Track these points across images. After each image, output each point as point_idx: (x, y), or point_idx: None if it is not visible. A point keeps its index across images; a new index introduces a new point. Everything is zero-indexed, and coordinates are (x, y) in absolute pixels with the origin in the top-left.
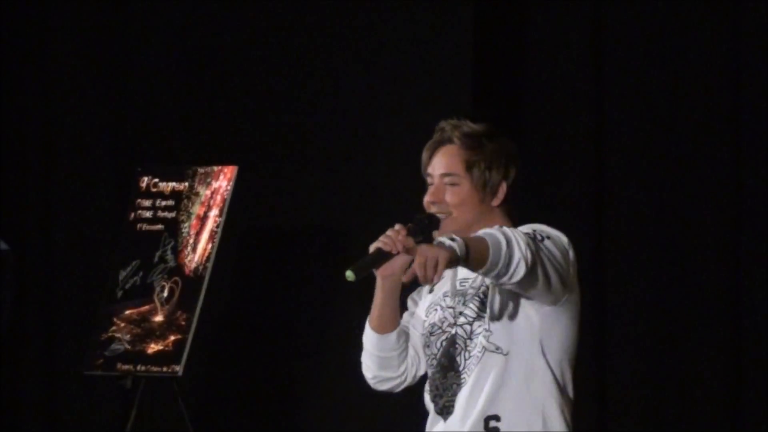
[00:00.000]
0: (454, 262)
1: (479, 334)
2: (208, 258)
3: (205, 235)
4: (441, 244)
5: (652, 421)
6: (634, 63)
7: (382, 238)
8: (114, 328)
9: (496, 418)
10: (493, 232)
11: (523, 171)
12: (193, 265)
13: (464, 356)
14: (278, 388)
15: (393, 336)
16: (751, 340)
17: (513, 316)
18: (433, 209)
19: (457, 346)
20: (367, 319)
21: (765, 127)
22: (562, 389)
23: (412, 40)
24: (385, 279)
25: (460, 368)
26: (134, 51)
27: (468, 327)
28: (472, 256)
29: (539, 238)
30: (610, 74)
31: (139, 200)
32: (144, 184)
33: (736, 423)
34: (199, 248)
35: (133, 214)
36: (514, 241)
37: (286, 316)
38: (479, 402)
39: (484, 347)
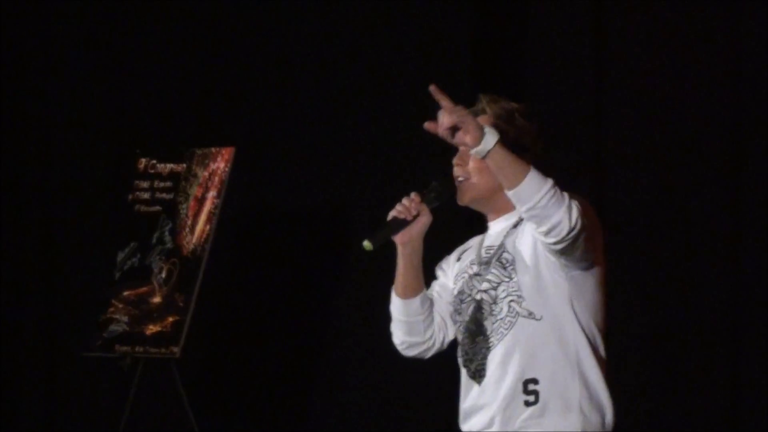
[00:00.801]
0: (476, 138)
1: (504, 298)
2: (206, 239)
3: (203, 216)
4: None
5: (652, 420)
6: (634, 49)
7: (397, 206)
8: (112, 309)
9: (534, 381)
10: (545, 177)
11: (555, 153)
12: (191, 247)
13: (491, 321)
14: (276, 369)
15: (417, 301)
16: (751, 335)
17: (543, 282)
18: (457, 171)
19: (483, 311)
20: (392, 287)
21: (765, 116)
22: (595, 350)
23: (411, 22)
24: (404, 246)
25: (488, 333)
26: (133, 32)
27: (492, 292)
28: (504, 161)
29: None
30: (611, 61)
31: (137, 182)
32: (142, 166)
33: (736, 423)
34: (197, 230)
35: (131, 196)
36: (566, 200)
37: (285, 298)
38: (515, 366)
39: (516, 312)
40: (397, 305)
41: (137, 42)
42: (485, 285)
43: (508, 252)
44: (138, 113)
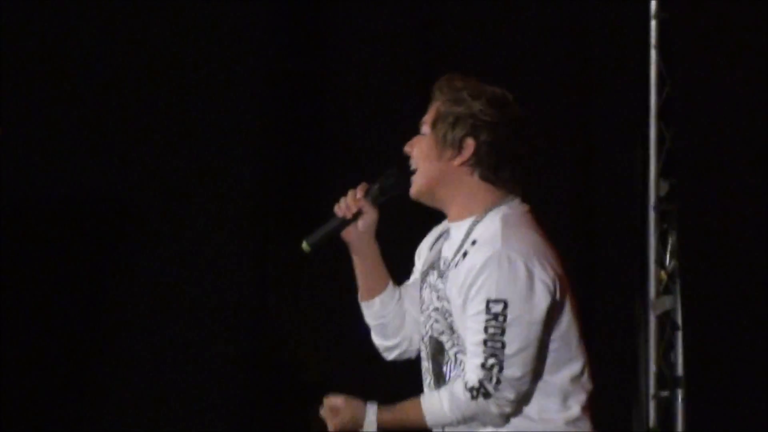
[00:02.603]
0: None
1: (451, 348)
2: None
3: None
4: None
5: None
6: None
7: (341, 201)
8: None
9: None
10: (435, 401)
11: (528, 146)
12: None
13: (450, 367)
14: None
15: (377, 302)
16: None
17: None
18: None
19: (445, 354)
20: None
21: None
22: (551, 380)
23: None
24: (349, 246)
25: (446, 378)
26: None
27: (445, 337)
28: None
29: (497, 349)
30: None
31: None
32: None
33: None
34: None
35: None
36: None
37: (52, 296)
38: None
39: (463, 363)
40: (362, 308)
41: None
42: (438, 328)
43: (447, 301)
44: None
